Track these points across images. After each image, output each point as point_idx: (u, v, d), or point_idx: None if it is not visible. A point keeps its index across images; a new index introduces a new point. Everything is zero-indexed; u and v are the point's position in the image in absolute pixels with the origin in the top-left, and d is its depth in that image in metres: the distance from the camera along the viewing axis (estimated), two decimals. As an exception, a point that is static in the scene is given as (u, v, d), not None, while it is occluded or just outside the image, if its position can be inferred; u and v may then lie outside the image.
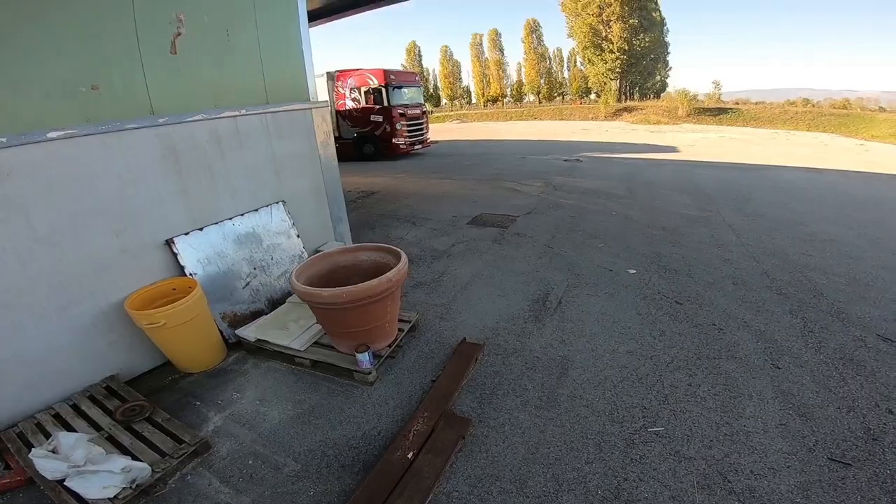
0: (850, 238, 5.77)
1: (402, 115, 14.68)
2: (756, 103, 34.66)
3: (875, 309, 3.86)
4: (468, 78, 71.14)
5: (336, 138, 16.21)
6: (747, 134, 22.64)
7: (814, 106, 31.48)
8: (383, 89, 14.32)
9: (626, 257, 5.14)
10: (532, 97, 69.39)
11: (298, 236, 4.55)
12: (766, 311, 3.88)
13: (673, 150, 15.29)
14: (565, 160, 12.70)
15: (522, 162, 12.74)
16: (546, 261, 5.08)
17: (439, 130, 30.36)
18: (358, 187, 10.16)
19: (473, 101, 71.99)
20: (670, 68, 53.20)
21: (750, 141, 18.82)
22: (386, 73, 14.40)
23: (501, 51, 66.27)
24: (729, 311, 3.88)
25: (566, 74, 69.16)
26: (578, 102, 58.99)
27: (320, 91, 15.86)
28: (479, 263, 5.08)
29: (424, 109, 16.20)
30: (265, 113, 4.21)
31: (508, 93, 67.86)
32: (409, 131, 15.11)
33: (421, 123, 15.84)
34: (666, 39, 40.63)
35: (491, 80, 66.98)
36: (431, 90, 72.74)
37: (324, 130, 4.83)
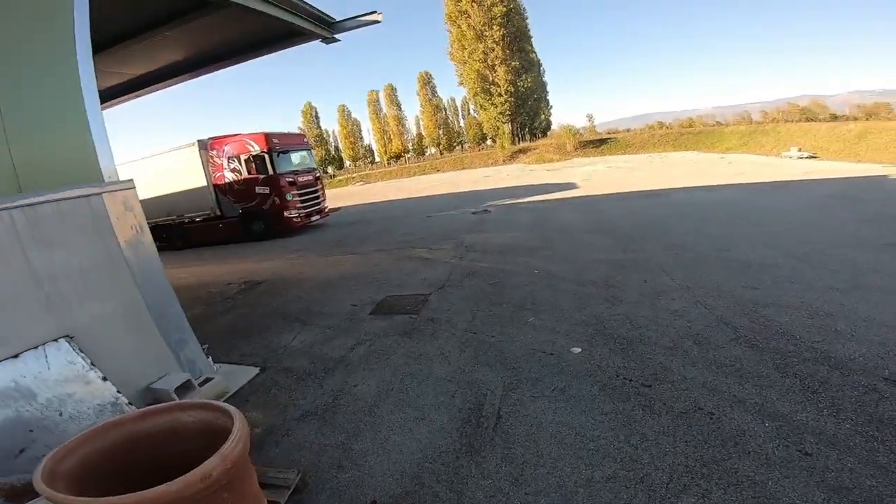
0: (780, 259, 5.45)
1: (291, 183, 13.29)
2: (626, 131, 38.47)
3: (859, 345, 3.33)
4: (369, 136, 71.29)
5: (218, 217, 14.40)
6: (629, 161, 24.41)
7: (668, 127, 35.61)
8: (266, 156, 12.88)
9: (564, 330, 4.21)
10: (433, 149, 71.20)
11: (105, 379, 3.08)
12: (749, 374, 3.13)
13: (573, 186, 15.57)
14: (473, 213, 12.13)
15: (429, 221, 11.93)
16: (470, 354, 3.97)
17: (342, 195, 29.26)
18: (241, 277, 8.51)
19: (377, 159, 71.40)
20: (552, 107, 57.48)
21: (634, 168, 20.09)
22: (267, 136, 13.00)
23: (399, 106, 67.15)
24: (709, 384, 3.07)
25: (462, 123, 72.28)
26: (477, 150, 61.33)
27: (188, 163, 14.02)
28: (386, 372, 3.84)
29: (318, 174, 14.96)
30: (8, 208, 2.75)
31: (410, 147, 68.87)
32: (303, 201, 13.70)
33: (316, 191, 14.52)
34: (544, 80, 43.96)
35: (392, 137, 67.29)
36: (333, 152, 72.21)
37: (130, 224, 3.40)
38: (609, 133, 38.05)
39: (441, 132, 66.51)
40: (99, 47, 8.01)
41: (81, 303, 3.10)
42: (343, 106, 69.97)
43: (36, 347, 2.91)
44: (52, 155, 3.04)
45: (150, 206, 15.92)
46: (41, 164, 2.96)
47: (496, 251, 7.45)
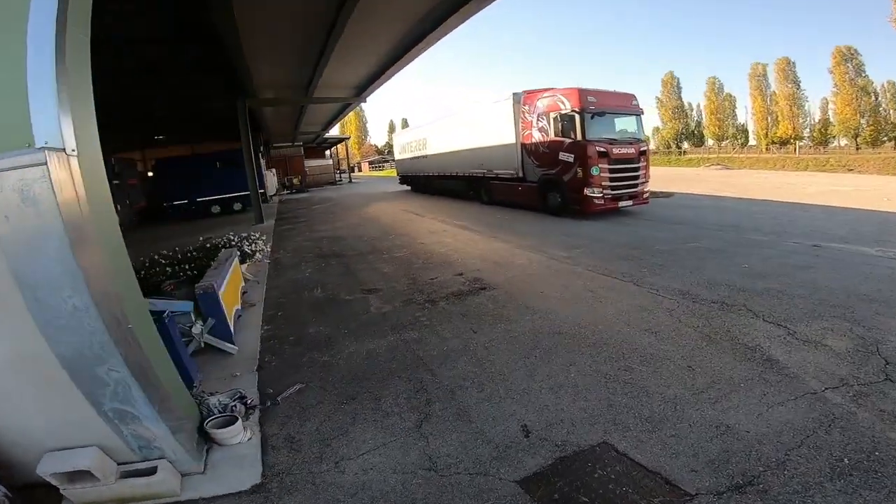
0: None
1: (602, 154, 10.20)
2: None
3: None
4: (745, 114, 59.38)
5: (520, 179, 12.90)
6: None
7: None
8: (577, 116, 10.18)
9: None
10: (845, 141, 52.54)
11: None
12: None
13: None
14: (928, 266, 5.98)
15: (813, 259, 6.54)
16: None
17: (685, 178, 23.55)
18: (480, 269, 6.51)
19: (752, 142, 59.05)
20: None
21: None
22: (581, 93, 10.25)
23: (796, 83, 53.24)
24: None
25: (905, 113, 50.55)
26: (933, 149, 40.46)
27: (501, 117, 12.88)
28: None
29: (644, 148, 11.15)
30: None
31: (806, 134, 53.88)
32: (613, 179, 10.43)
33: (635, 169, 10.89)
34: None
35: (779, 118, 54.01)
36: (694, 127, 64.15)
37: (28, 228, 1.95)
38: None
39: (865, 121, 48.60)
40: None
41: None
42: (714, 79, 59.75)
43: None
44: None
45: (465, 158, 16.00)
46: None
47: None
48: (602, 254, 7.18)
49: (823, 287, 5.10)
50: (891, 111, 51.43)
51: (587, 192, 10.27)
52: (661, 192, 15.97)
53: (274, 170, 27.64)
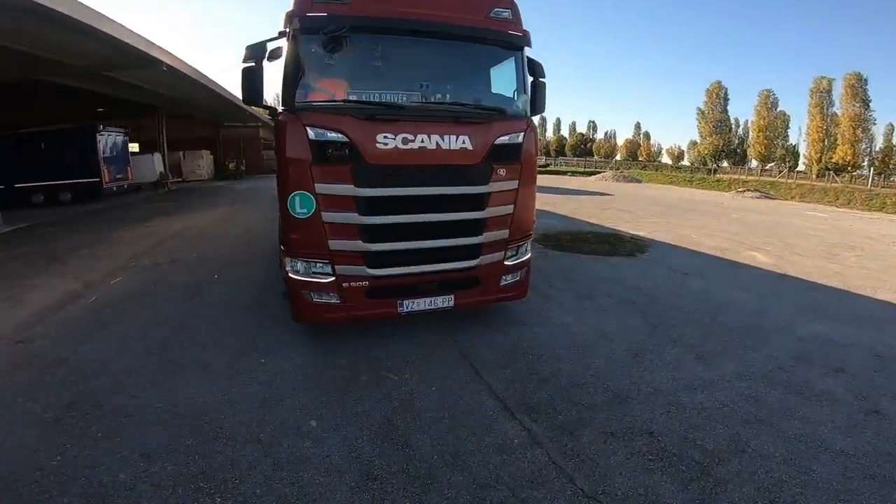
0: None
1: (330, 150, 3.07)
2: None
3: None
4: (798, 136, 54.09)
5: None
6: None
7: None
8: (292, 37, 3.12)
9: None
10: None
11: None
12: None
13: None
14: None
15: None
16: None
17: (702, 211, 16.00)
18: None
19: (801, 167, 52.55)
20: None
21: None
22: None
23: (866, 103, 45.79)
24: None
25: None
26: None
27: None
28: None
29: (504, 140, 3.48)
30: None
31: (867, 162, 47.42)
32: (376, 233, 3.29)
33: (472, 198, 3.53)
34: None
35: (839, 141, 46.76)
36: (736, 144, 58.42)
37: None
38: None
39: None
40: None
41: None
42: (768, 91, 52.10)
43: None
44: None
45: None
46: None
47: None
48: None
49: None
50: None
51: (290, 269, 3.36)
52: (632, 237, 8.62)
53: (157, 154, 21.31)
